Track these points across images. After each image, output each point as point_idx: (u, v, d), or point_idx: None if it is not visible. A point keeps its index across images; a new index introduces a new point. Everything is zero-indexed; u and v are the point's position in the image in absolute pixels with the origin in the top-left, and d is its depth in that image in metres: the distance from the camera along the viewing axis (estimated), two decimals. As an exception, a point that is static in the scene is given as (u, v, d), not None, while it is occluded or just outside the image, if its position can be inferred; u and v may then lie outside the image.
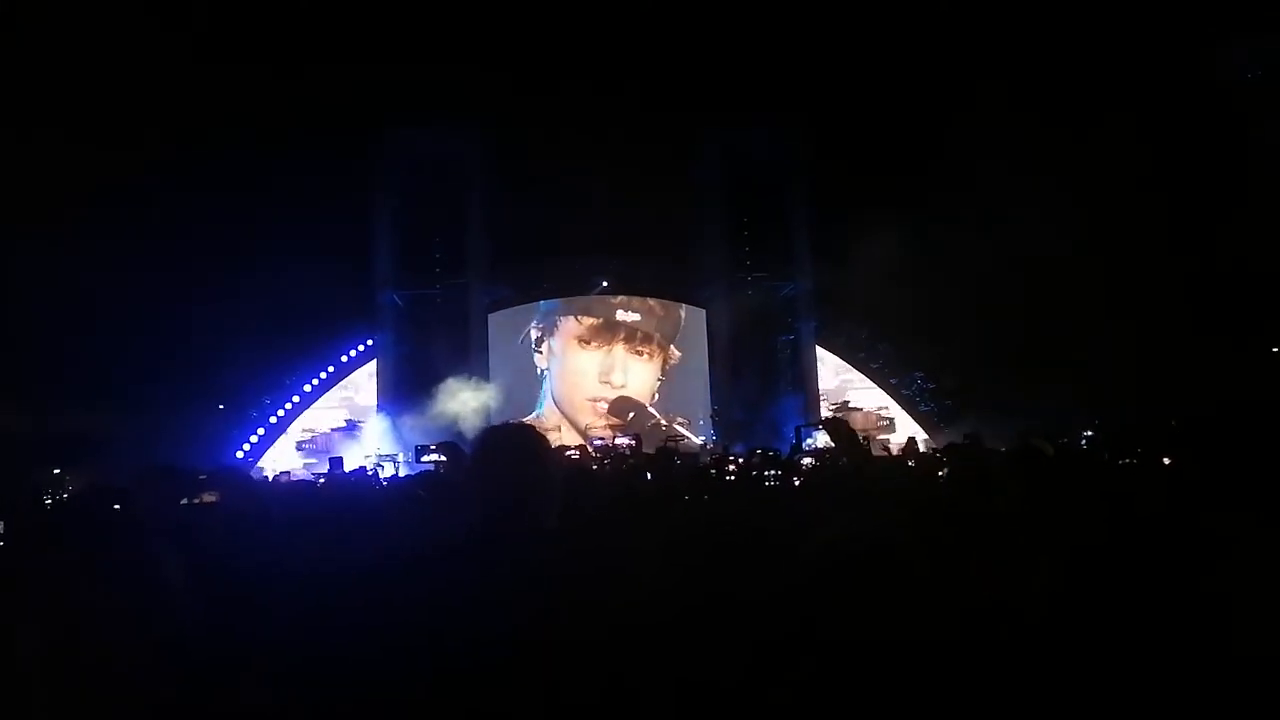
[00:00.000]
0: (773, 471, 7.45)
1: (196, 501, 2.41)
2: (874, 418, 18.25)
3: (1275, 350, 14.80)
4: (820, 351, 19.59)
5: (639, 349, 19.58)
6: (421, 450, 14.25)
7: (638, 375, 19.53)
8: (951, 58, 14.65)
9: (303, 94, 14.61)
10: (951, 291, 15.01)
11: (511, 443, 1.95)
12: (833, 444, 2.95)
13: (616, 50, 15.15)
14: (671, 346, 19.80)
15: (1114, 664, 1.83)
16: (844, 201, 16.46)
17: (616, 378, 19.34)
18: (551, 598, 1.72)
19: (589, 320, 19.63)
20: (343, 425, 18.58)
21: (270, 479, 11.72)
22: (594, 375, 19.40)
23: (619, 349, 19.51)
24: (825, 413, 16.62)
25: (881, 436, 16.67)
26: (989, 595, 2.13)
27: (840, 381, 20.00)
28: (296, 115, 14.68)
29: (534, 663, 1.61)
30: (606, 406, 19.15)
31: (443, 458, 7.51)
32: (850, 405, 18.98)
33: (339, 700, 1.66)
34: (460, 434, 14.48)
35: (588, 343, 19.55)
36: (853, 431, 3.01)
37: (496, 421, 18.38)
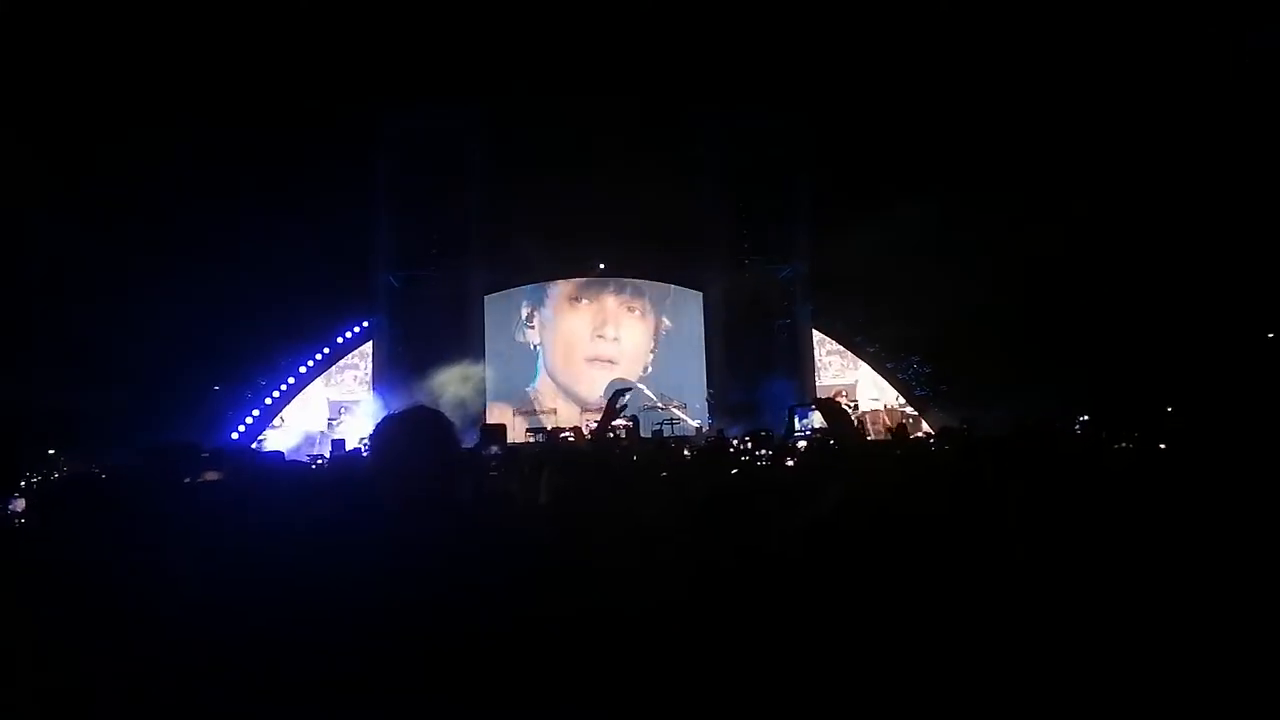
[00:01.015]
0: (764, 451, 7.50)
1: (200, 480, 2.42)
2: (899, 414, 18.35)
3: (1270, 336, 14.86)
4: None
5: (630, 305, 19.63)
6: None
7: (630, 331, 19.54)
8: (950, 41, 14.58)
9: (299, 76, 14.48)
10: (949, 276, 15.02)
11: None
12: (826, 424, 2.94)
13: (614, 33, 15.03)
14: (663, 316, 19.81)
15: (1102, 644, 1.86)
16: (842, 185, 16.44)
17: (609, 330, 19.40)
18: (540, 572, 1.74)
19: (578, 279, 19.70)
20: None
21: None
22: (587, 333, 19.44)
23: (610, 301, 19.57)
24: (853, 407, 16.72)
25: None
26: (967, 575, 2.15)
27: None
28: (292, 97, 14.55)
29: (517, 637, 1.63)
30: (605, 383, 19.15)
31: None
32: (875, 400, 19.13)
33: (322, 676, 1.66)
34: (458, 418, 14.46)
35: (578, 299, 19.63)
36: (845, 412, 3.00)
37: (492, 402, 18.54)
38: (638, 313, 19.68)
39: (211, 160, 14.34)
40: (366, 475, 2.10)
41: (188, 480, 2.30)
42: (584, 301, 19.62)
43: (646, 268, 19.77)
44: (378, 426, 1.99)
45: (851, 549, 2.17)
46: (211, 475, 2.43)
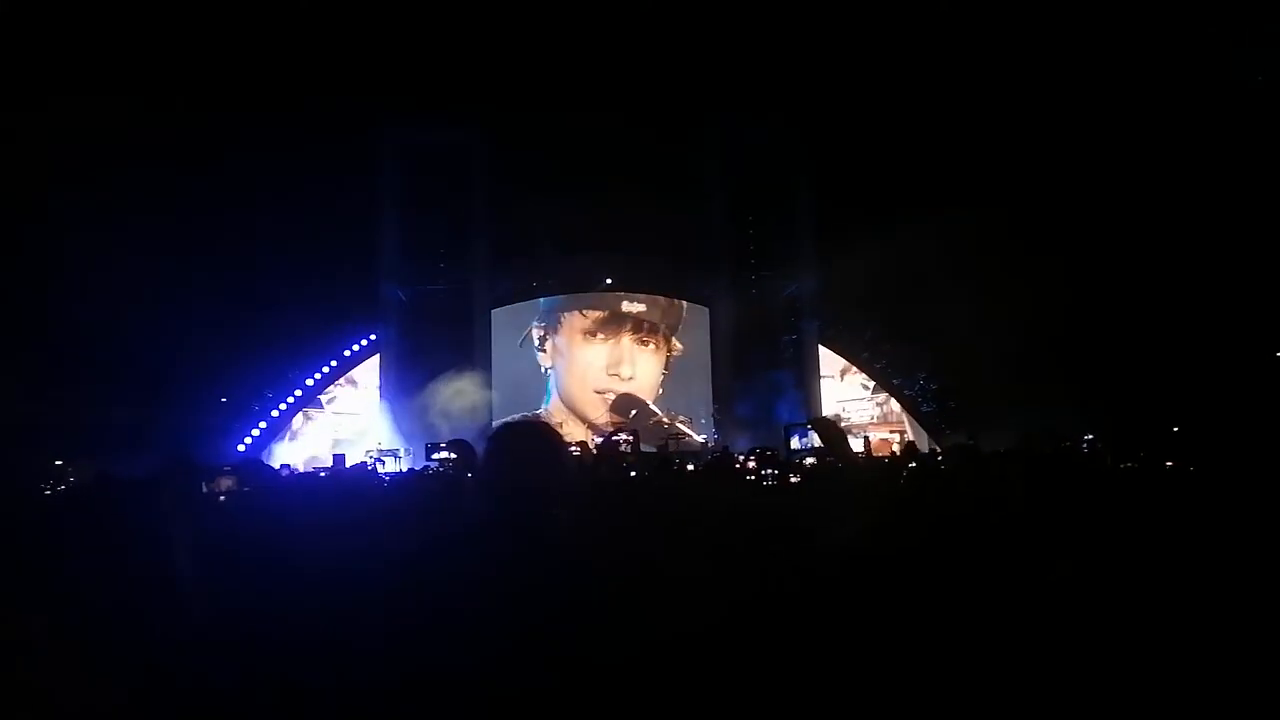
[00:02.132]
0: (770, 470, 7.48)
1: (215, 488, 2.45)
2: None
3: (1278, 355, 14.81)
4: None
5: (645, 339, 19.68)
6: (432, 448, 14.36)
7: (644, 366, 19.60)
8: (957, 54, 14.63)
9: (306, 90, 14.61)
10: (955, 292, 15.02)
11: (529, 438, 1.96)
12: (824, 444, 2.96)
13: (621, 47, 15.14)
14: (674, 339, 19.84)
15: (1107, 660, 1.86)
16: (849, 200, 16.46)
17: (625, 370, 19.45)
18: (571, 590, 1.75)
19: (595, 313, 19.70)
20: None
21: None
22: (602, 368, 19.49)
23: (626, 340, 19.61)
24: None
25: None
26: (976, 590, 2.16)
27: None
28: (300, 111, 14.67)
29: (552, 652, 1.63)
30: (613, 399, 19.20)
31: (453, 455, 7.50)
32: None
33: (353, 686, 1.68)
34: (467, 430, 14.47)
35: (594, 335, 19.64)
36: (841, 431, 3.02)
37: (500, 416, 18.54)
38: (651, 346, 19.75)
39: (221, 173, 14.45)
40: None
41: (205, 488, 2.33)
42: (600, 337, 19.64)
43: (653, 283, 19.83)
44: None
45: (875, 568, 2.19)
46: (226, 483, 2.47)
